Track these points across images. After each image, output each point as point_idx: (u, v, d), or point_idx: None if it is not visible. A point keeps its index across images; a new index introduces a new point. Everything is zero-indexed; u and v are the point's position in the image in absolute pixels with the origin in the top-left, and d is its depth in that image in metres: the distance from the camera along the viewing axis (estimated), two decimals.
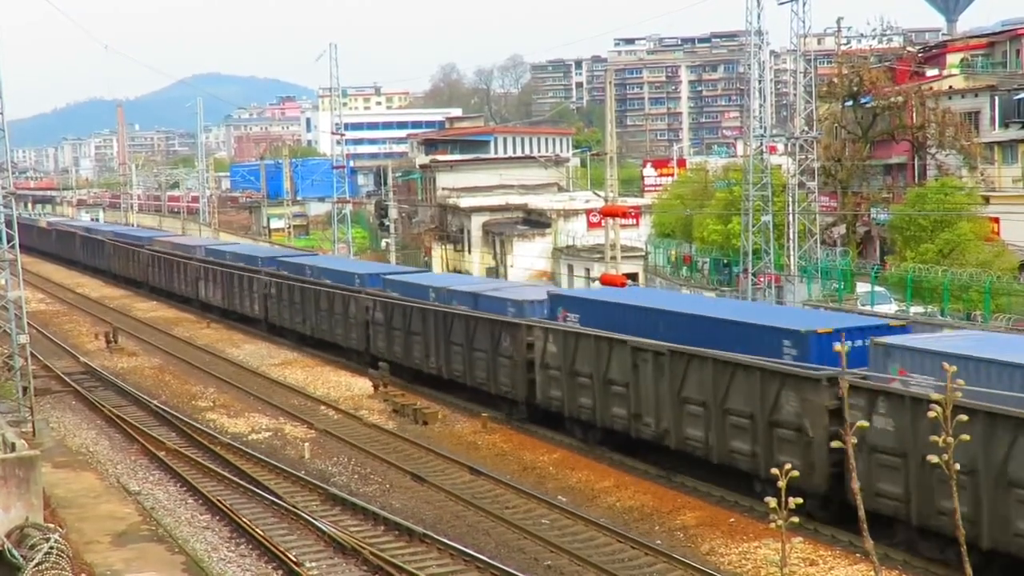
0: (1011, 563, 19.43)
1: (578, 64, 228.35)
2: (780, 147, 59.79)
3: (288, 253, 63.03)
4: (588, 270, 58.54)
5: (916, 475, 20.27)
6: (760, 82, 47.16)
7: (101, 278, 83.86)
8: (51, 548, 19.58)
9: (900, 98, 54.27)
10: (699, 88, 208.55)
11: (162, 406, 38.45)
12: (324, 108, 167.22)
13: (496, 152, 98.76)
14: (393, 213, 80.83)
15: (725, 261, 51.48)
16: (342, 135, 77.37)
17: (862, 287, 43.61)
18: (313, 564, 22.85)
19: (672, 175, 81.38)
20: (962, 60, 64.29)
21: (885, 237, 52.57)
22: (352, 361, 45.01)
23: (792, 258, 45.50)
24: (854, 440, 7.38)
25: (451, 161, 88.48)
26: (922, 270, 41.20)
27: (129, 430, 35.35)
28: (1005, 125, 54.80)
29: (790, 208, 45.67)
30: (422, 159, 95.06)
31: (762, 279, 45.98)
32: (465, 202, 75.19)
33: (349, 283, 46.47)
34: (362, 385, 41.11)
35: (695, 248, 55.29)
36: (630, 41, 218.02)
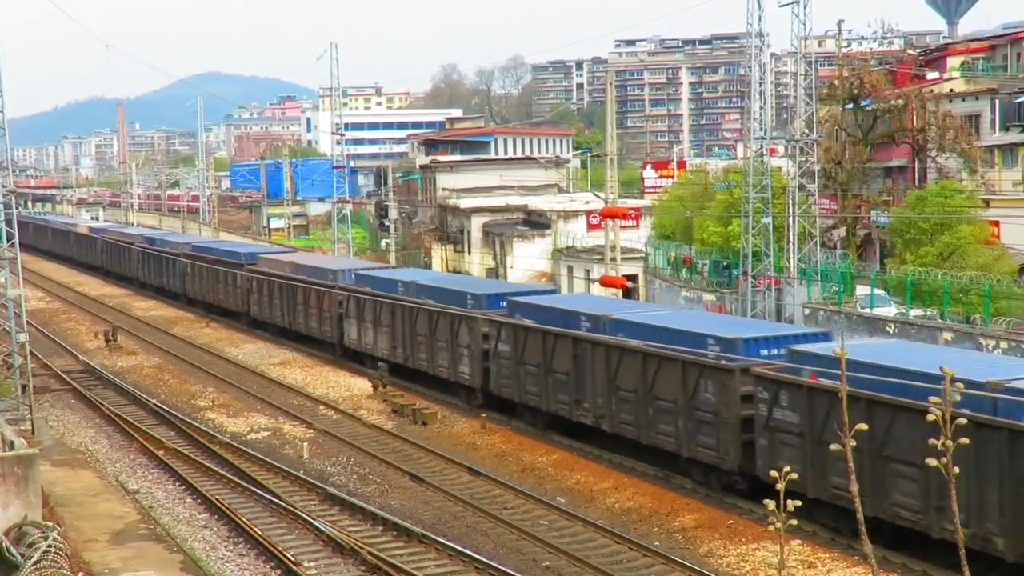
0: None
1: (579, 65, 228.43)
2: (780, 149, 59.78)
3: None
4: (588, 271, 58.53)
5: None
6: (761, 84, 47.14)
7: (177, 305, 66.18)
8: (49, 546, 19.59)
9: (901, 101, 54.24)
10: (700, 90, 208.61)
11: (161, 405, 38.47)
12: (324, 108, 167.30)
13: (496, 153, 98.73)
14: (393, 213, 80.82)
15: (725, 263, 51.47)
16: (342, 135, 77.33)
17: (862, 290, 43.60)
18: (311, 564, 22.86)
19: (672, 177, 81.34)
20: (963, 63, 64.30)
21: (885, 240, 52.55)
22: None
23: (792, 260, 45.49)
24: (853, 443, 7.39)
25: (451, 162, 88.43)
26: (922, 273, 41.19)
27: (128, 429, 35.37)
28: (1005, 128, 54.80)
29: (790, 210, 45.65)
30: (422, 159, 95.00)
31: (762, 281, 45.98)
32: (465, 203, 75.17)
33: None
34: (361, 385, 41.13)
35: (695, 250, 55.26)
36: (631, 42, 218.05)
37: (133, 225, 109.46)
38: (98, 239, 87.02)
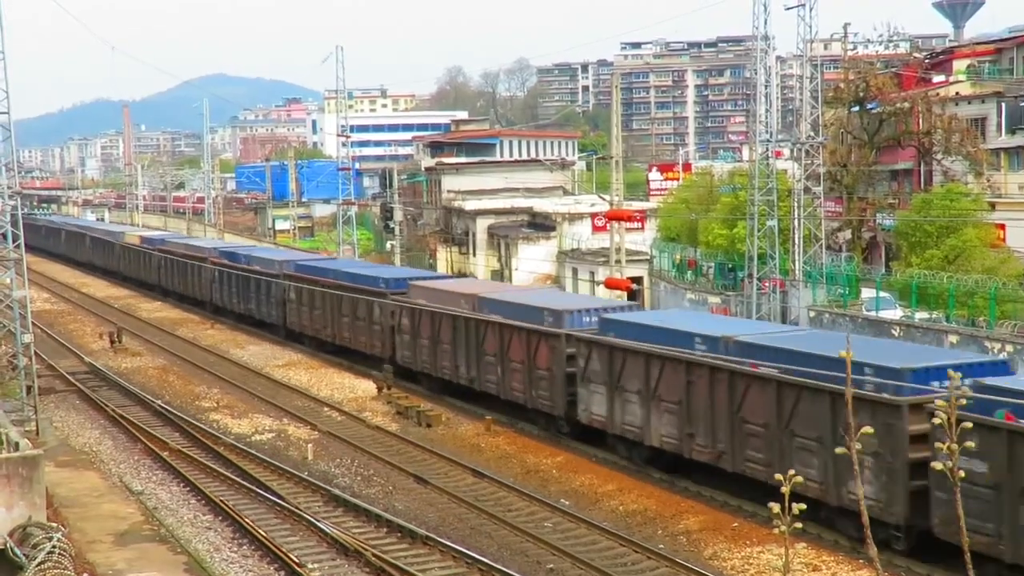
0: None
1: (584, 68, 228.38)
2: (786, 152, 59.70)
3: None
4: (593, 274, 58.50)
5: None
6: (766, 87, 47.12)
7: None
8: (53, 547, 19.58)
9: (906, 104, 54.16)
10: (705, 92, 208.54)
11: (165, 406, 38.48)
12: (330, 110, 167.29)
13: (502, 155, 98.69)
14: (398, 215, 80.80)
15: (730, 266, 51.41)
16: (348, 137, 77.41)
17: (867, 293, 43.53)
18: (315, 566, 22.85)
19: (678, 179, 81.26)
20: (969, 66, 64.17)
21: (891, 243, 52.48)
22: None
23: (797, 263, 45.43)
24: (858, 446, 7.37)
25: (456, 164, 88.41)
26: (927, 276, 41.11)
27: (132, 430, 35.39)
28: (1011, 131, 54.70)
29: (795, 213, 45.60)
30: (428, 161, 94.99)
31: (767, 284, 45.93)
32: (470, 205, 75.15)
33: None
34: (366, 387, 41.12)
35: (700, 252, 55.20)
36: (636, 45, 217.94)
37: (203, 236, 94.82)
38: (154, 253, 72.20)
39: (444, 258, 76.68)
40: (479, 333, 36.30)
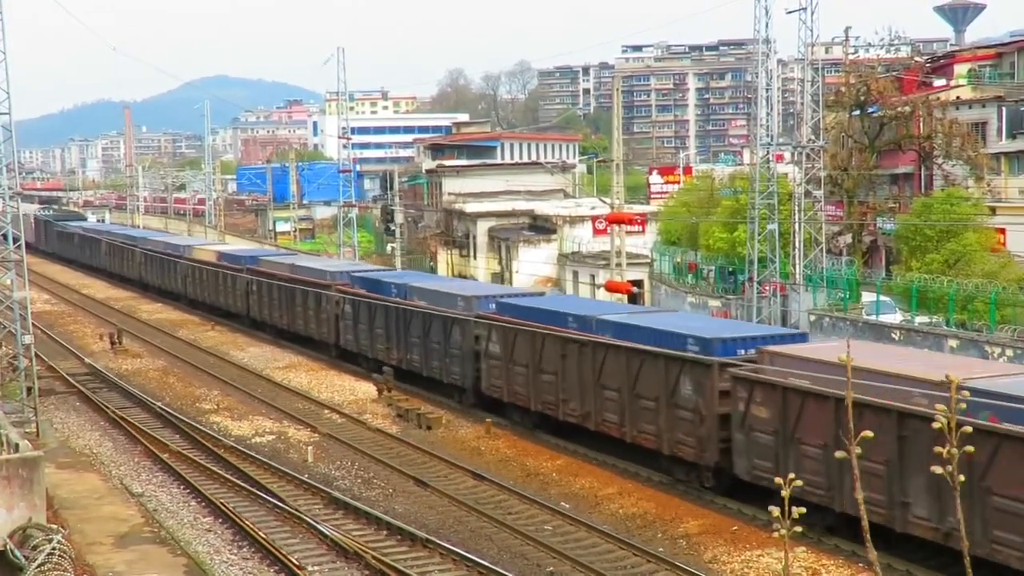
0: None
1: (585, 70, 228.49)
2: (786, 156, 59.70)
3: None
4: (593, 276, 58.52)
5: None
6: (767, 90, 47.14)
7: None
8: (53, 549, 19.58)
9: (907, 108, 54.19)
10: (706, 96, 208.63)
11: (166, 408, 38.49)
12: (331, 112, 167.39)
13: (502, 158, 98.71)
14: (399, 217, 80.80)
15: (730, 269, 51.45)
16: (349, 139, 77.44)
17: (868, 296, 43.55)
18: (315, 568, 22.85)
19: (678, 182, 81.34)
20: (970, 71, 64.18)
21: (891, 247, 52.51)
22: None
23: (797, 267, 45.46)
24: (858, 451, 7.38)
25: (457, 166, 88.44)
26: (928, 280, 41.13)
27: (133, 432, 35.39)
28: (1012, 136, 54.71)
29: (796, 217, 45.63)
30: (428, 164, 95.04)
31: (767, 287, 45.95)
32: (471, 207, 75.16)
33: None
34: (366, 389, 41.13)
35: (700, 256, 55.23)
36: (638, 48, 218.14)
37: (328, 257, 76.26)
38: (241, 275, 56.68)
39: (444, 260, 76.70)
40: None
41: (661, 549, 23.77)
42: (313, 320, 49.00)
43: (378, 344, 43.11)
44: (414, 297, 41.44)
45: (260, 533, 24.71)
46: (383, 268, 59.08)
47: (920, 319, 39.73)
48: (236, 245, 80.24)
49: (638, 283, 55.29)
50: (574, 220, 67.45)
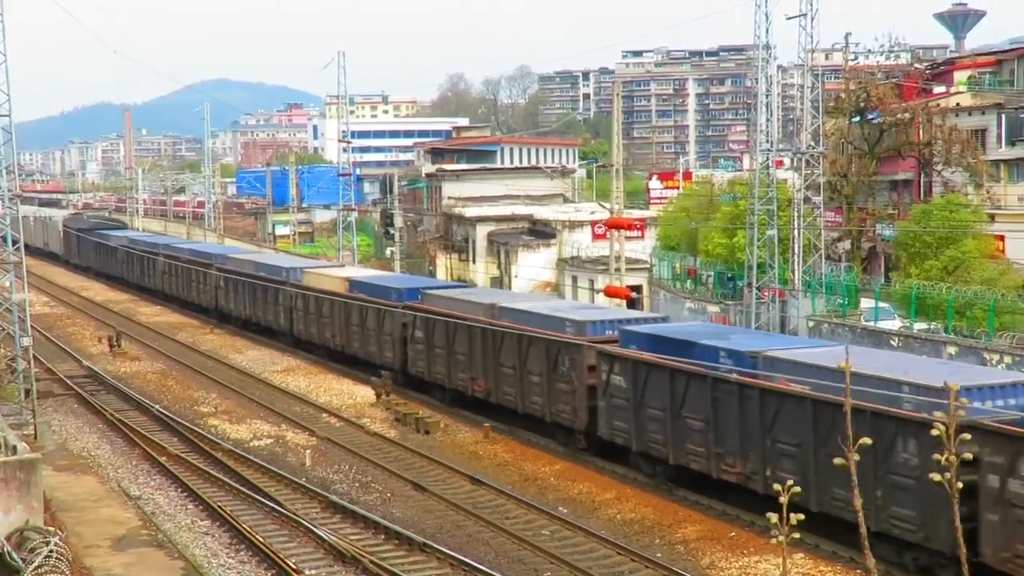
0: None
1: (585, 75, 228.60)
2: (786, 161, 59.76)
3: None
4: (592, 281, 58.51)
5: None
6: (767, 96, 47.16)
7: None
8: (51, 551, 19.57)
9: (907, 115, 54.20)
10: (706, 101, 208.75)
11: (164, 411, 38.46)
12: (331, 115, 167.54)
13: (502, 162, 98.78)
14: (398, 221, 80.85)
15: (730, 275, 51.44)
16: (349, 143, 77.44)
17: (866, 303, 43.55)
18: (313, 572, 22.84)
19: (678, 188, 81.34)
20: (969, 78, 64.22)
21: (890, 253, 52.51)
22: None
23: (796, 273, 45.46)
24: (857, 457, 7.38)
25: (457, 170, 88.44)
26: (927, 287, 41.14)
27: (131, 434, 35.37)
28: (1012, 143, 54.74)
29: (795, 223, 45.65)
30: (428, 168, 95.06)
31: (766, 293, 45.94)
32: (470, 211, 75.14)
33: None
34: (364, 393, 41.11)
35: (700, 261, 55.23)
36: (638, 53, 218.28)
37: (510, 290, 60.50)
38: (399, 311, 41.19)
39: (444, 265, 76.68)
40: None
41: (659, 555, 23.76)
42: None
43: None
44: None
45: (258, 537, 24.69)
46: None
47: (919, 325, 39.74)
48: (381, 272, 59.43)
49: (637, 288, 55.28)
50: (573, 225, 67.44)
